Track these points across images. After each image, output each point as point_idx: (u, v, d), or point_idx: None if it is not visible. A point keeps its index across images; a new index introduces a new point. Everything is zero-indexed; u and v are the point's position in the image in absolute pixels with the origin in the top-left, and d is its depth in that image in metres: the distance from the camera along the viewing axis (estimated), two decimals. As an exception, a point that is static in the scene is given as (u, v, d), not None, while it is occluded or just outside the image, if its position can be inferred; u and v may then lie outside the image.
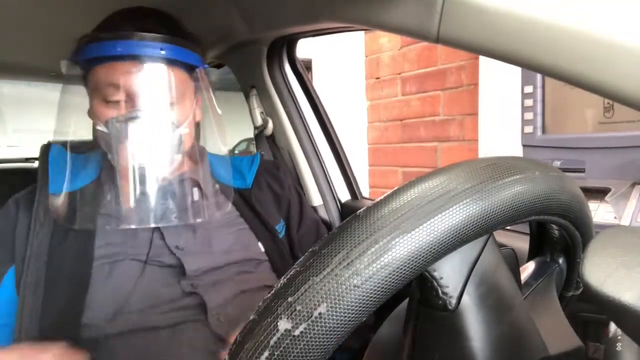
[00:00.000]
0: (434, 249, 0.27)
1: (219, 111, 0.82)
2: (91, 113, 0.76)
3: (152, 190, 0.74)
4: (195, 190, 0.83)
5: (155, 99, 0.73)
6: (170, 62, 0.73)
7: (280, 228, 0.91)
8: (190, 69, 0.79)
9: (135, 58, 0.71)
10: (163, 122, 0.73)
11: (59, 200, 0.76)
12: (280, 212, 0.94)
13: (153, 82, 0.72)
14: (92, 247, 0.75)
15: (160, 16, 0.78)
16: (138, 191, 0.74)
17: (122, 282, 0.74)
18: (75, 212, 0.76)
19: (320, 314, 0.25)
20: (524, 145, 1.40)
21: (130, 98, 0.72)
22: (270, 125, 1.25)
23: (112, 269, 0.74)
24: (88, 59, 0.72)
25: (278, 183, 0.96)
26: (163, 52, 0.72)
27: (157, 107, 0.73)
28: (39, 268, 0.73)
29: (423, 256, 0.27)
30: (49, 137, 1.30)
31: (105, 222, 0.77)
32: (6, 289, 0.74)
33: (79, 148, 0.82)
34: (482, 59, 1.79)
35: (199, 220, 0.79)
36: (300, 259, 0.28)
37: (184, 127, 0.76)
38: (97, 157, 0.82)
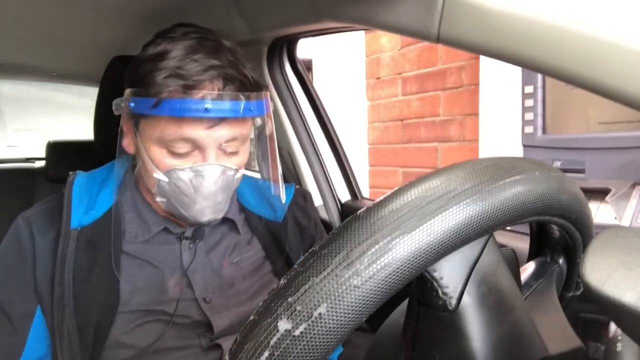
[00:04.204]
0: (434, 249, 0.27)
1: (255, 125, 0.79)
2: (141, 153, 0.70)
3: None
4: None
5: (225, 149, 0.70)
6: (248, 114, 0.69)
7: None
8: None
9: (222, 119, 0.67)
10: (230, 172, 0.70)
11: (82, 234, 0.72)
12: (303, 246, 0.90)
13: (227, 134, 0.68)
14: (117, 295, 0.71)
15: (222, 48, 0.70)
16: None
17: (142, 338, 0.71)
18: (97, 247, 0.72)
19: (320, 314, 0.25)
20: (524, 146, 1.40)
21: (201, 151, 0.68)
22: (271, 125, 1.25)
23: (135, 327, 0.71)
24: (167, 108, 0.65)
25: (305, 215, 0.91)
26: (252, 111, 0.68)
27: (224, 156, 0.70)
28: (68, 315, 0.68)
29: (423, 256, 0.27)
30: (49, 137, 1.31)
31: (131, 261, 0.73)
32: (37, 329, 0.70)
33: (96, 174, 0.79)
34: (483, 59, 1.79)
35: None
36: (300, 259, 0.28)
37: (242, 169, 0.74)
38: (112, 185, 0.77)
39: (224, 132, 0.68)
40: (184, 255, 0.76)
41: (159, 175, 0.69)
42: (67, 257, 0.70)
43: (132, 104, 0.66)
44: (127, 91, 0.68)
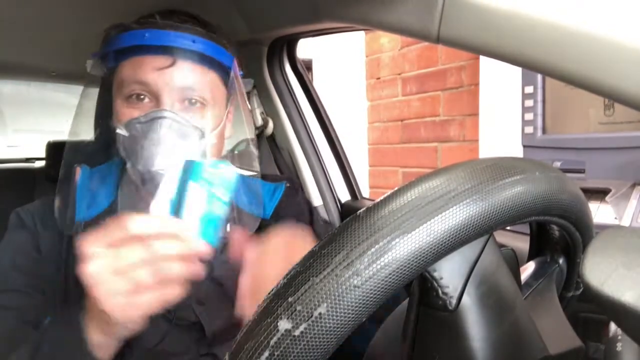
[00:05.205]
0: (434, 249, 0.27)
1: (255, 125, 0.76)
2: (111, 116, 0.69)
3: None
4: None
5: (183, 98, 0.66)
6: (203, 58, 0.67)
7: None
8: (224, 72, 0.72)
9: (166, 50, 0.65)
10: (189, 127, 0.65)
11: (85, 229, 0.69)
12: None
13: (182, 79, 0.65)
14: None
15: (190, 15, 0.72)
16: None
17: (144, 342, 0.68)
18: None
19: (320, 314, 0.25)
20: (524, 146, 1.40)
21: (155, 97, 0.65)
22: (271, 125, 1.25)
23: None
24: (114, 50, 0.67)
25: (297, 209, 0.88)
26: (195, 45, 0.65)
27: (183, 109, 0.66)
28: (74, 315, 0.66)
29: (423, 256, 0.27)
30: (49, 137, 1.31)
31: None
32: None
33: (96, 160, 0.76)
34: (483, 59, 1.79)
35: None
36: (300, 259, 0.28)
37: (212, 137, 0.69)
38: (115, 171, 0.75)
39: (177, 75, 0.65)
40: None
41: (121, 130, 0.66)
42: (71, 250, 0.68)
43: (102, 63, 0.69)
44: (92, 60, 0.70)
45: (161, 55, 0.65)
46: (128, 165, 0.68)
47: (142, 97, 0.66)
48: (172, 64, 0.65)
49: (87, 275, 0.49)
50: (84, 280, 0.50)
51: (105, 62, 0.70)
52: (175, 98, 0.66)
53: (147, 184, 0.65)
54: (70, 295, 0.68)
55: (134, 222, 0.50)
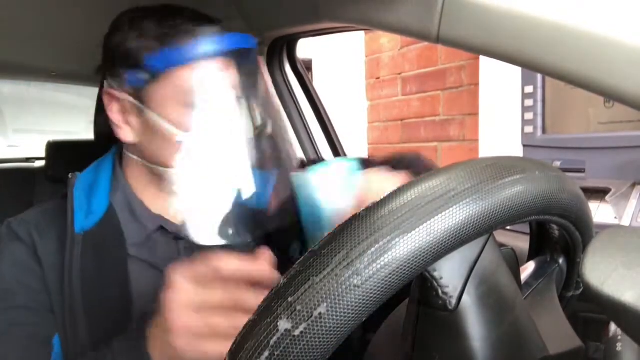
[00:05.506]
0: (434, 249, 0.27)
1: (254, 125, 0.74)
2: (153, 127, 0.66)
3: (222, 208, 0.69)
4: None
5: (239, 98, 0.67)
6: (251, 53, 0.68)
7: (294, 250, 0.80)
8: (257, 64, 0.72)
9: (223, 54, 0.65)
10: (252, 128, 0.68)
11: (85, 239, 0.66)
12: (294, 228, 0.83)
13: (239, 79, 0.67)
14: (129, 301, 0.66)
15: (189, 11, 0.69)
16: (205, 207, 0.68)
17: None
18: (103, 251, 0.66)
19: (320, 314, 0.25)
20: (524, 145, 1.40)
21: (218, 101, 0.66)
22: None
23: None
24: (167, 66, 0.64)
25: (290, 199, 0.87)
26: (248, 42, 0.66)
27: (243, 109, 0.68)
28: (81, 329, 0.63)
29: (423, 256, 0.27)
30: (49, 137, 1.31)
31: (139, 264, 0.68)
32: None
33: (86, 176, 0.73)
34: (483, 59, 1.79)
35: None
36: (300, 259, 0.28)
37: (269, 132, 0.71)
38: (104, 185, 0.72)
39: (234, 76, 0.66)
40: (182, 257, 0.72)
41: (181, 137, 0.64)
42: (74, 263, 0.65)
43: (131, 77, 0.65)
44: (114, 71, 0.67)
45: (216, 58, 0.65)
46: (176, 172, 0.67)
47: (204, 103, 0.65)
48: (230, 66, 0.66)
49: (168, 306, 0.48)
50: (163, 310, 0.49)
51: (147, 72, 0.66)
52: (235, 100, 0.67)
53: (203, 190, 0.67)
54: (77, 310, 0.64)
55: (225, 263, 0.49)
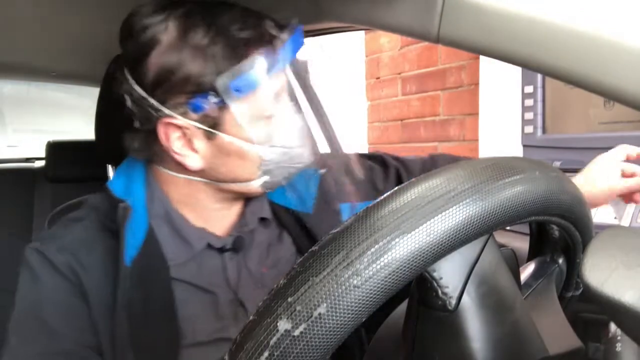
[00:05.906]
0: (434, 249, 0.27)
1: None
2: (229, 148, 0.61)
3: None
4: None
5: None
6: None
7: None
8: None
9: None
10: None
11: (133, 269, 0.60)
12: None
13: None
14: (177, 328, 0.61)
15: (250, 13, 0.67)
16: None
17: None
18: (148, 278, 0.61)
19: (320, 314, 0.25)
20: (524, 145, 1.40)
21: (280, 101, 0.65)
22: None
23: None
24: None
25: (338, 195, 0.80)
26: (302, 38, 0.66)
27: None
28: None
29: (423, 256, 0.27)
30: (49, 137, 1.31)
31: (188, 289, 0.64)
32: None
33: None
34: (483, 59, 1.79)
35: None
36: (300, 259, 0.28)
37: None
38: (140, 197, 0.65)
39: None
40: (228, 271, 0.67)
41: (263, 149, 0.62)
42: (121, 296, 0.58)
43: (200, 103, 0.58)
44: (173, 98, 0.58)
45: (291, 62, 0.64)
46: (269, 183, 0.66)
47: (284, 111, 0.66)
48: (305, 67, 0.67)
49: None
50: None
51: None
52: (306, 98, 0.70)
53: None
54: (126, 348, 0.58)
55: None
